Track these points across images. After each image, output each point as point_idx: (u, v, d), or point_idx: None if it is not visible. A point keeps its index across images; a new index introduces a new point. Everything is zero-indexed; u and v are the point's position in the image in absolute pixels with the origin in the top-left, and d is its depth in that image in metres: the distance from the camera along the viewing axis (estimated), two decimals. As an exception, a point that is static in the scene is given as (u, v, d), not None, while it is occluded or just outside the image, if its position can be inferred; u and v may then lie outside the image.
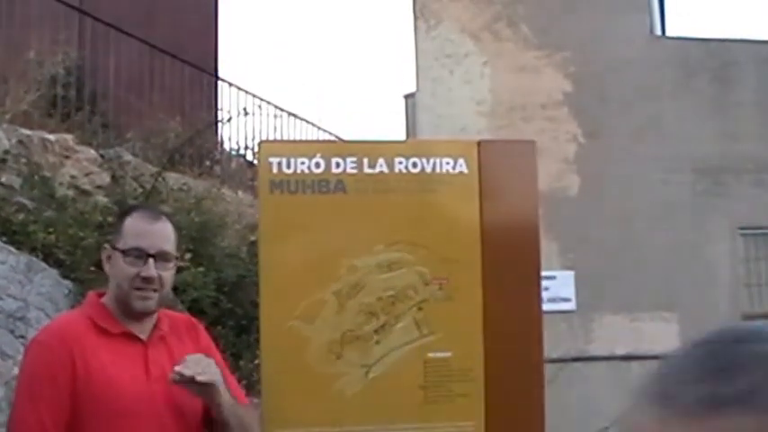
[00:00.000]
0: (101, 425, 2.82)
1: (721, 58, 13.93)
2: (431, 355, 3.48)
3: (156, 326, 3.01)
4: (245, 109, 11.05)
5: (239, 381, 6.80)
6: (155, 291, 2.94)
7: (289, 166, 3.43)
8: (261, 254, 3.51)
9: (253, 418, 3.14)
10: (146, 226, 3.00)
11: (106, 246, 3.10)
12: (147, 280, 2.92)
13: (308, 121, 14.03)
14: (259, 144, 3.85)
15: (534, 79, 13.70)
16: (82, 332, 2.91)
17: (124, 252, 2.93)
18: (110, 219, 5.85)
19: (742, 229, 13.68)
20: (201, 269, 7.23)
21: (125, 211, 3.28)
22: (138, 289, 2.92)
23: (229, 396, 2.96)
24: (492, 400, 3.51)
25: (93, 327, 2.93)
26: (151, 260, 2.93)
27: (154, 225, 3.01)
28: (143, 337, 2.96)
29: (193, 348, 3.06)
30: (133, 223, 3.00)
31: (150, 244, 2.94)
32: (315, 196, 3.44)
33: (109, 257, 3.02)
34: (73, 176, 7.60)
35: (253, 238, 8.04)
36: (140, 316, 2.97)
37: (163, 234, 3.01)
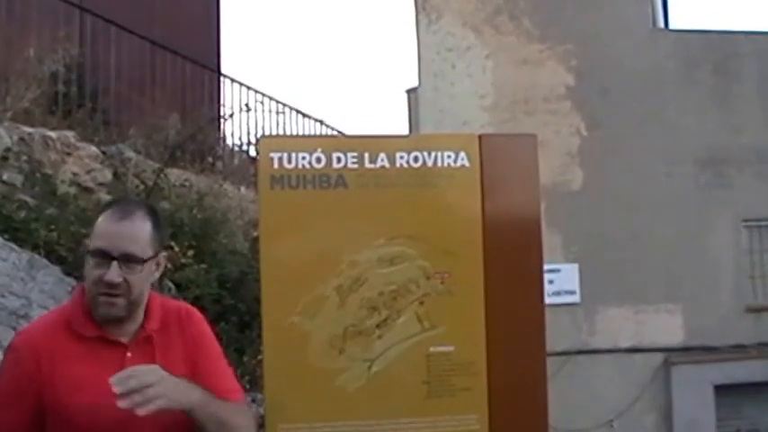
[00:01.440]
0: None
1: (723, 51, 13.93)
2: (433, 349, 3.47)
3: (141, 326, 2.85)
4: (246, 105, 11.03)
5: (242, 376, 6.85)
6: (120, 296, 2.75)
7: (290, 161, 3.42)
8: (262, 250, 3.50)
9: (234, 413, 2.89)
10: (111, 226, 2.79)
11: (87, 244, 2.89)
12: (110, 285, 2.73)
13: (310, 117, 14.02)
14: (259, 139, 3.83)
15: (536, 73, 13.71)
16: (54, 338, 2.75)
17: (90, 253, 2.76)
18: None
19: (745, 221, 13.69)
20: (204, 266, 7.23)
21: (103, 208, 3.02)
22: (103, 294, 2.73)
23: (199, 394, 2.73)
24: (495, 393, 3.51)
25: (68, 330, 2.77)
26: (114, 263, 2.73)
27: (120, 225, 2.79)
28: (124, 339, 2.80)
29: (179, 342, 2.91)
30: (101, 222, 2.81)
31: (113, 246, 2.74)
32: (316, 191, 3.42)
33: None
34: (74, 173, 7.60)
35: (255, 234, 8.04)
36: (106, 322, 2.78)
37: (129, 234, 2.78)
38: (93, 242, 2.77)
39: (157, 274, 2.94)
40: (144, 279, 2.80)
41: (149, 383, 2.56)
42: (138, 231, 2.79)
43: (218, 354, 3.05)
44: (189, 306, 3.13)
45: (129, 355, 2.79)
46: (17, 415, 2.71)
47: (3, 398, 2.72)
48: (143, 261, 2.77)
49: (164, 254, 2.96)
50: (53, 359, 2.70)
